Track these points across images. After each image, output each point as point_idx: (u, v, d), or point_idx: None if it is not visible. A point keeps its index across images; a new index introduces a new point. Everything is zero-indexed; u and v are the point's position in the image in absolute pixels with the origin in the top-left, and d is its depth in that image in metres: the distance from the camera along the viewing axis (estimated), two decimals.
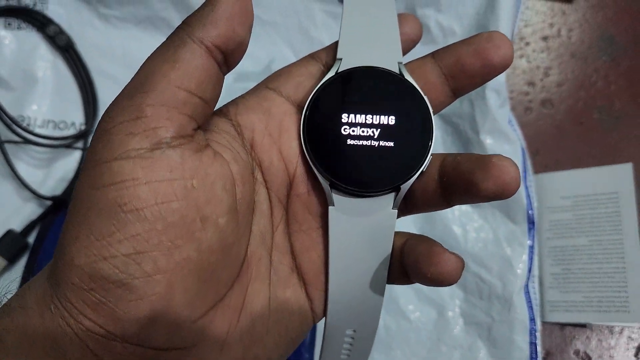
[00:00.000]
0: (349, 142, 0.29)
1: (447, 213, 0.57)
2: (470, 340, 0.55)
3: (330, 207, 0.30)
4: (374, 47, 0.31)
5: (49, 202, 0.56)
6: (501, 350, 0.54)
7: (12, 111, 0.56)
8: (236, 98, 0.32)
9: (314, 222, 0.31)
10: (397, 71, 0.30)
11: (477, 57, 0.29)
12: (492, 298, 0.55)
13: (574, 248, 0.57)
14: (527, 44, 0.65)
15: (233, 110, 0.31)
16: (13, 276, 0.54)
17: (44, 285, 0.25)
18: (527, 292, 0.55)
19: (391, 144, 0.29)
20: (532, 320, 0.54)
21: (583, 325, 0.56)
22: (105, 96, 0.59)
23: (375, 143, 0.29)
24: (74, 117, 0.59)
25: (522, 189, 0.56)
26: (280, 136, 0.31)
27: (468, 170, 0.27)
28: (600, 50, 0.64)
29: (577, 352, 0.55)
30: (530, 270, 0.55)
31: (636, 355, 0.55)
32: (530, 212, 0.56)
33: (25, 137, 0.56)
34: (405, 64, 0.31)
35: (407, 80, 0.30)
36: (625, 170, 0.57)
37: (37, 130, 0.57)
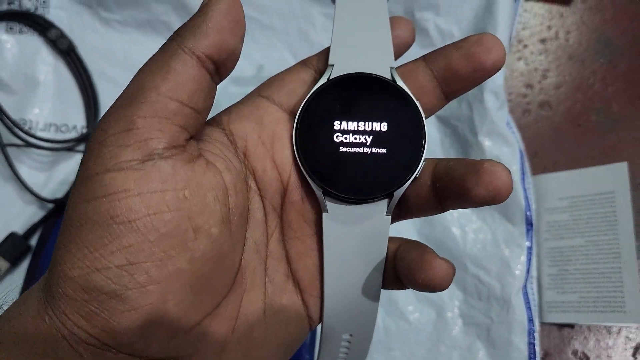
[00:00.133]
0: (342, 149, 0.29)
1: (445, 214, 0.57)
2: (469, 340, 0.55)
3: (324, 214, 0.30)
4: (365, 53, 0.31)
5: (50, 205, 0.56)
6: (500, 351, 0.54)
7: (14, 115, 0.56)
8: (229, 106, 0.32)
9: (308, 228, 0.31)
10: (389, 76, 0.30)
11: (467, 61, 0.29)
12: (490, 299, 0.54)
13: (571, 249, 0.56)
14: (525, 46, 0.64)
15: (226, 119, 0.31)
16: (12, 285, 0.54)
17: (39, 295, 0.25)
18: (525, 293, 0.55)
19: (383, 150, 0.29)
20: (531, 321, 0.54)
21: (572, 326, 0.56)
22: (107, 99, 0.59)
23: (368, 150, 0.29)
24: (76, 120, 0.58)
25: (520, 190, 0.56)
26: (273, 144, 0.30)
27: (460, 176, 0.27)
28: (597, 53, 0.63)
29: (575, 352, 0.55)
30: (528, 271, 0.55)
31: (634, 355, 0.54)
32: (528, 213, 0.56)
33: (27, 140, 0.56)
34: (398, 67, 0.31)
35: (398, 86, 0.30)
36: (620, 169, 0.57)
37: (39, 134, 0.57)
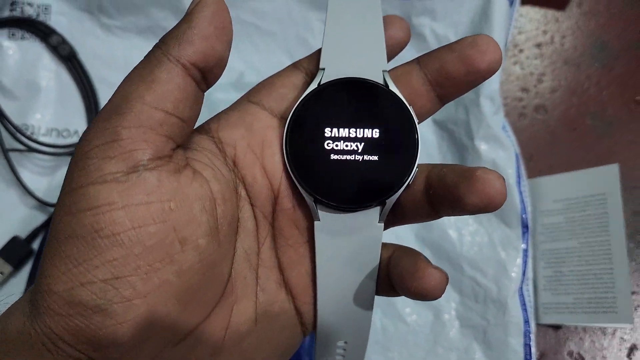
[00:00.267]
0: (332, 157, 0.28)
1: (442, 218, 0.55)
2: (466, 342, 0.54)
3: (315, 222, 0.28)
4: (358, 56, 0.29)
5: (52, 209, 0.55)
6: (496, 352, 0.53)
7: (16, 120, 0.55)
8: (219, 113, 0.30)
9: (300, 236, 0.29)
10: (381, 81, 0.29)
11: (461, 64, 0.27)
12: (487, 301, 0.54)
13: (565, 250, 0.56)
14: (521, 50, 0.63)
15: (215, 126, 0.29)
16: (15, 289, 0.53)
17: (25, 308, 0.24)
18: (521, 295, 0.54)
19: (375, 157, 0.27)
20: (527, 322, 0.53)
21: (567, 327, 0.55)
22: None
23: (359, 157, 0.28)
24: (77, 125, 0.57)
25: (516, 193, 0.55)
26: (263, 151, 0.29)
27: (453, 184, 0.25)
28: (592, 57, 0.62)
29: (570, 353, 0.55)
30: (524, 273, 0.54)
31: (628, 355, 0.54)
32: (524, 216, 0.55)
33: (29, 145, 0.55)
34: (391, 70, 0.30)
35: (391, 91, 0.28)
36: (611, 171, 0.56)
37: (41, 139, 0.56)
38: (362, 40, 0.29)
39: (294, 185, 0.28)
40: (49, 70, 0.57)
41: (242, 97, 0.31)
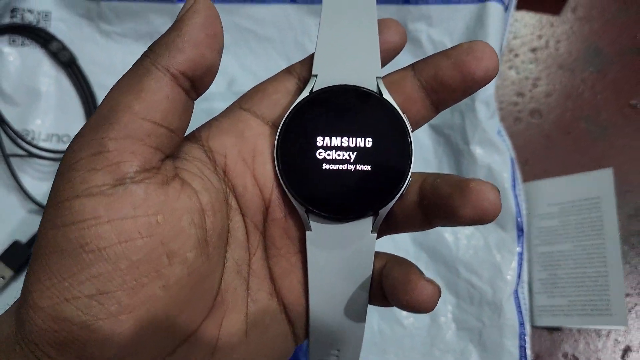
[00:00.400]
0: (324, 166, 0.27)
1: None
2: (462, 345, 0.53)
3: (307, 233, 0.27)
4: (351, 62, 0.28)
5: None
6: (492, 354, 0.52)
7: (16, 126, 0.54)
8: (210, 120, 0.29)
9: (292, 246, 0.28)
10: (374, 88, 0.27)
11: (456, 71, 0.26)
12: (482, 304, 0.53)
13: (560, 253, 0.55)
14: (516, 55, 0.62)
15: (205, 135, 0.28)
16: (16, 293, 0.52)
17: (11, 322, 0.23)
18: (516, 298, 0.53)
19: (368, 167, 0.26)
20: (522, 324, 0.52)
21: (562, 329, 0.55)
22: None
23: (352, 167, 0.26)
24: (77, 130, 0.55)
25: (511, 197, 0.54)
26: (254, 160, 0.28)
27: (447, 195, 0.24)
28: (587, 62, 0.61)
29: (565, 355, 0.54)
30: (519, 276, 0.54)
31: (623, 357, 0.53)
32: (519, 219, 0.54)
33: (29, 150, 0.54)
34: (385, 76, 0.28)
35: (384, 99, 0.27)
36: (606, 175, 0.55)
37: (42, 144, 0.55)
38: (356, 46, 0.28)
39: (286, 194, 0.27)
40: (49, 77, 0.57)
41: (233, 103, 0.30)
